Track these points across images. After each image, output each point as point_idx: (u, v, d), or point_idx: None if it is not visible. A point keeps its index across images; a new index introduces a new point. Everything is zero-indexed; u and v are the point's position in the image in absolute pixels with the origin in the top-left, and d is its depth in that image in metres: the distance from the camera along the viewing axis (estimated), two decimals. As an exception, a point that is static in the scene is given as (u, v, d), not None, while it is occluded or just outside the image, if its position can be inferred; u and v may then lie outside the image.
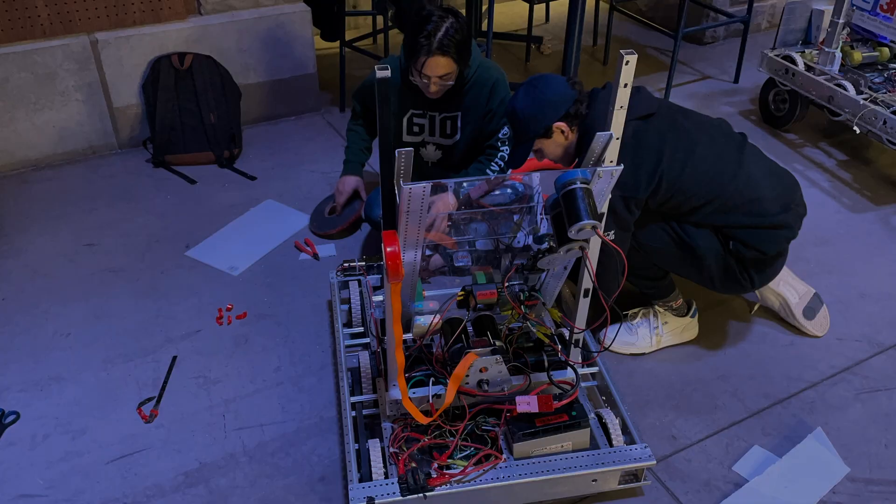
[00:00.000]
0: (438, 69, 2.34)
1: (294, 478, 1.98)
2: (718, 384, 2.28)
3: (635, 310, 2.40)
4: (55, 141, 3.24)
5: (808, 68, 3.43)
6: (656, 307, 2.38)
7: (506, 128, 2.55)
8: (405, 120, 2.59)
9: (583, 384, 2.07)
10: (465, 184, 1.87)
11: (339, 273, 2.45)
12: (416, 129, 2.61)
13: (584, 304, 1.94)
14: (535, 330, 1.95)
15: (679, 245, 2.16)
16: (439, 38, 2.29)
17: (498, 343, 1.86)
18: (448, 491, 1.75)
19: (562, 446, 1.88)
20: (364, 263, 2.45)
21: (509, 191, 1.87)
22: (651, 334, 2.36)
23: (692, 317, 2.41)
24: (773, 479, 1.96)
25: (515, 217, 1.90)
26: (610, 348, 2.33)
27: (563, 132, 2.11)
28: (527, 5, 4.29)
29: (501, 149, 2.58)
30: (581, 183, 1.61)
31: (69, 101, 3.18)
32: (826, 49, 3.38)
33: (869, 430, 2.14)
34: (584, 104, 2.11)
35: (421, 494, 1.73)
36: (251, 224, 2.93)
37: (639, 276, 2.28)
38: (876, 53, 3.44)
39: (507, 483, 1.79)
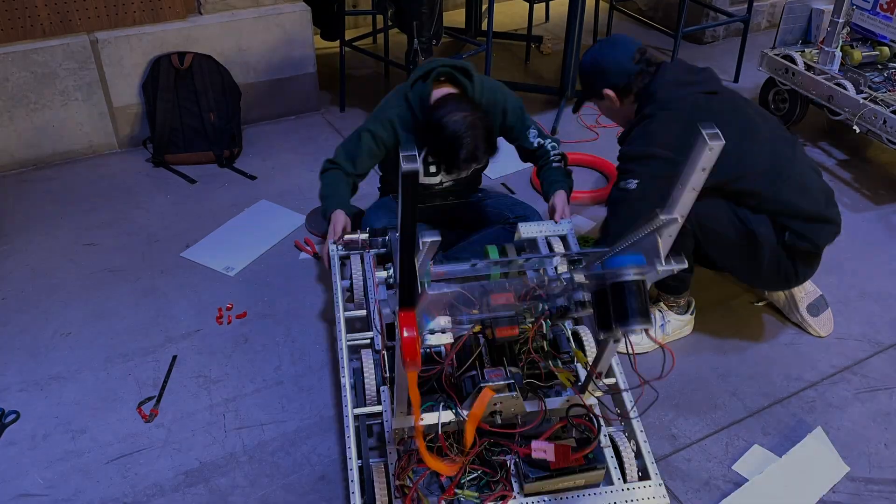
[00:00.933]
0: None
1: (294, 477, 1.98)
2: (718, 384, 2.28)
3: None
4: (55, 140, 3.23)
5: (808, 68, 3.43)
6: (661, 304, 2.37)
7: (532, 127, 2.47)
8: (420, 160, 2.43)
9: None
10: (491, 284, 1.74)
11: (338, 246, 2.27)
12: (432, 168, 2.45)
13: (610, 351, 1.70)
14: (557, 372, 1.79)
15: (738, 230, 2.13)
16: (479, 154, 2.21)
17: (514, 369, 1.73)
18: None
19: (574, 483, 1.75)
20: (367, 237, 2.25)
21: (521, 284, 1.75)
22: (659, 333, 2.35)
23: (691, 314, 2.41)
24: (773, 478, 1.96)
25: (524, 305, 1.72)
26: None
27: (611, 99, 2.23)
28: (527, 5, 4.29)
29: (546, 146, 2.47)
30: (635, 274, 1.40)
31: (69, 100, 3.18)
32: (826, 48, 3.38)
33: (869, 429, 2.14)
34: (643, 78, 2.17)
35: None
36: (246, 225, 2.93)
37: None
38: (876, 53, 3.44)
39: None
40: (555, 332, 1.90)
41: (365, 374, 1.93)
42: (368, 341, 2.10)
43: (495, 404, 1.68)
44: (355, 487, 1.72)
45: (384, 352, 1.86)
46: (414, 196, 1.30)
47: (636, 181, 2.07)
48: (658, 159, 2.04)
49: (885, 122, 3.05)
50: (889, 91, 3.23)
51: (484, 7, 4.21)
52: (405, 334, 1.37)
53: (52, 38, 3.08)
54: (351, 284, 2.23)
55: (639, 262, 1.41)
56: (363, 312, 2.18)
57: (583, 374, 1.86)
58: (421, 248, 1.35)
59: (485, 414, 1.68)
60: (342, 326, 2.07)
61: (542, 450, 1.69)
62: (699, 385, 2.27)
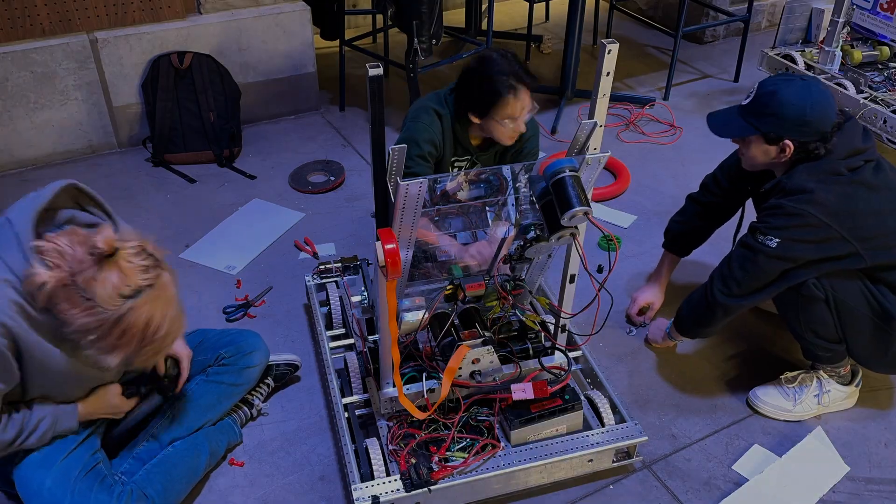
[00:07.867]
0: (525, 104, 2.16)
1: (294, 477, 1.98)
2: (718, 384, 2.28)
3: (794, 373, 2.19)
4: (54, 140, 3.23)
5: (809, 67, 3.43)
6: (821, 373, 2.17)
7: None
8: (449, 168, 2.41)
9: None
10: (440, 180, 1.83)
11: (314, 276, 2.44)
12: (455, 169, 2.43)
13: (570, 290, 1.97)
14: (524, 318, 1.96)
15: (872, 307, 1.97)
16: (516, 72, 2.11)
17: (487, 333, 1.88)
18: (452, 483, 1.78)
19: (556, 430, 1.92)
20: (340, 265, 2.43)
21: (483, 185, 1.86)
22: (814, 403, 2.15)
23: (856, 386, 2.20)
24: (773, 478, 1.96)
25: (490, 210, 1.90)
26: (761, 411, 2.17)
27: (784, 151, 1.95)
28: (527, 4, 4.29)
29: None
30: (570, 171, 1.62)
31: (68, 100, 3.18)
32: (826, 48, 3.38)
33: (869, 429, 2.14)
34: (826, 144, 1.92)
35: (426, 489, 1.75)
36: (241, 224, 2.93)
37: (818, 334, 2.03)
38: (876, 52, 3.44)
39: (508, 470, 1.83)
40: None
41: (349, 365, 2.08)
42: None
43: (473, 361, 1.86)
44: (351, 460, 1.84)
45: (365, 350, 2.02)
46: (380, 104, 1.48)
47: (778, 240, 1.91)
48: (811, 226, 1.89)
49: (885, 121, 3.05)
50: (889, 91, 3.22)
51: (484, 6, 4.21)
52: (387, 247, 1.52)
53: (51, 38, 3.07)
54: (329, 311, 2.34)
55: (572, 163, 1.64)
56: (342, 331, 2.32)
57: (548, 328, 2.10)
58: (390, 154, 1.52)
59: (464, 372, 1.86)
60: (327, 348, 2.21)
61: (521, 389, 1.86)
62: (699, 385, 2.27)
